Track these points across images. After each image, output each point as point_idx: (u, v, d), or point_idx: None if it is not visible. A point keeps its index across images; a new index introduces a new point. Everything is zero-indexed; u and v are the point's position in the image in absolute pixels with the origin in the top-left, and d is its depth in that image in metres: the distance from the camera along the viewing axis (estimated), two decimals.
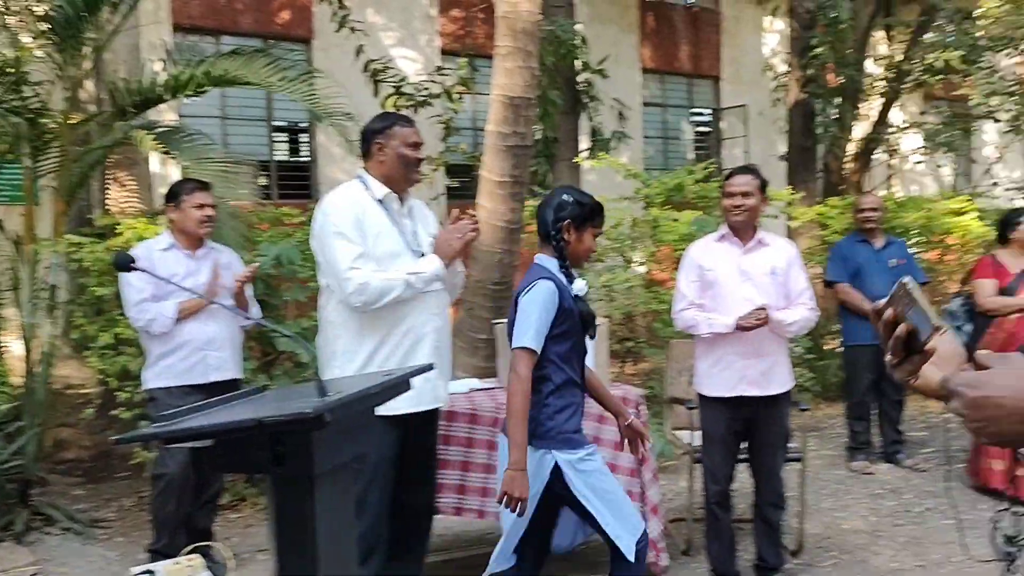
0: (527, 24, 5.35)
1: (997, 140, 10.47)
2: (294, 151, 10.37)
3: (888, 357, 1.27)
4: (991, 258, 4.93)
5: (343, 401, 1.78)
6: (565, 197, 2.85)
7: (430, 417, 3.14)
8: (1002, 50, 8.55)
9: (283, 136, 10.25)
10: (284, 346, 4.54)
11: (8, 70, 4.66)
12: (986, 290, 4.80)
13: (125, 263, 2.53)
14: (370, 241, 2.96)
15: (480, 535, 4.41)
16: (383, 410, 2.53)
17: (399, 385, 2.04)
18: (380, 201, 3.03)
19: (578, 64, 8.39)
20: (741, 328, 3.44)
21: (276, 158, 9.91)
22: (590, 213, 2.85)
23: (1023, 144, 8.58)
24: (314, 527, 1.86)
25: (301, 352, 4.58)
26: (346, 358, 2.97)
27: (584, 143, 8.78)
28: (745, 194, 3.53)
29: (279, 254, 4.55)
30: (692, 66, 12.21)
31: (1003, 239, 4.98)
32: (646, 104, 11.76)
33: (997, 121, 8.83)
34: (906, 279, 1.24)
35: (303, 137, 10.13)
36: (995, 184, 9.62)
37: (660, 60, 11.91)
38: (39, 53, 4.83)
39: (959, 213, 8.07)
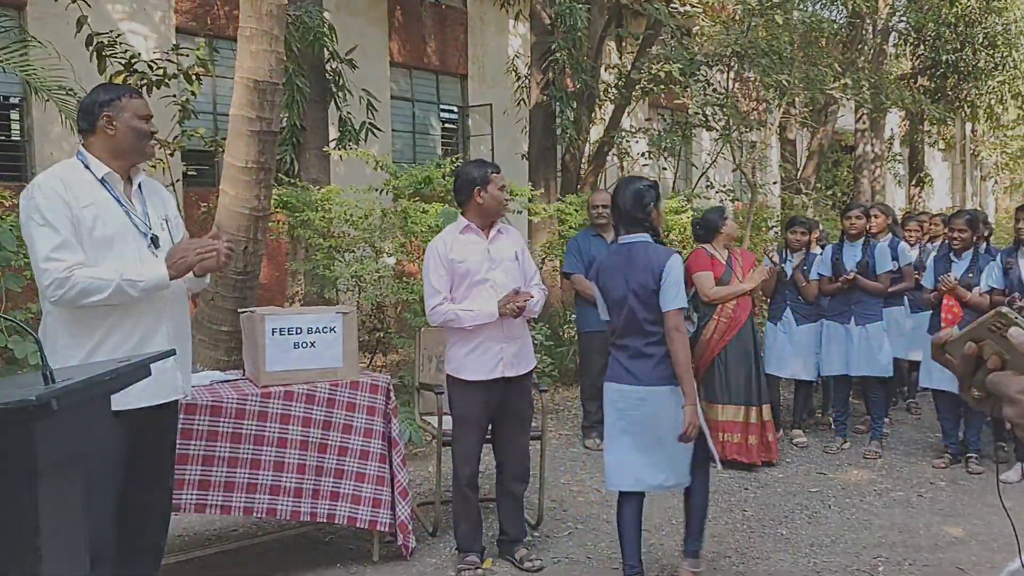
0: (272, 6, 5.21)
1: (710, 147, 11.61)
2: (4, 128, 9.31)
3: (971, 395, 1.15)
4: (703, 251, 5.45)
5: (72, 387, 1.66)
6: (642, 185, 3.49)
7: (169, 411, 2.97)
8: (714, 66, 9.50)
9: None
10: None
11: None
12: (707, 282, 5.29)
13: None
14: (86, 225, 2.72)
15: (222, 532, 4.27)
16: (116, 405, 2.37)
17: (137, 371, 1.92)
18: (102, 180, 2.82)
19: (326, 53, 8.27)
20: (505, 314, 3.62)
21: None
22: (659, 194, 3.55)
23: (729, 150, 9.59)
24: (37, 526, 1.72)
25: (13, 347, 4.16)
26: (68, 353, 2.72)
27: (332, 133, 8.67)
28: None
29: None
30: (440, 63, 12.42)
31: (708, 235, 5.45)
32: (394, 98, 11.80)
33: (710, 129, 9.80)
34: (1003, 308, 1.12)
35: (14, 114, 9.14)
36: (710, 186, 10.67)
37: (408, 55, 12.00)
38: None
39: (678, 212, 8.90)
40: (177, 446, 3.16)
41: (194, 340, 5.42)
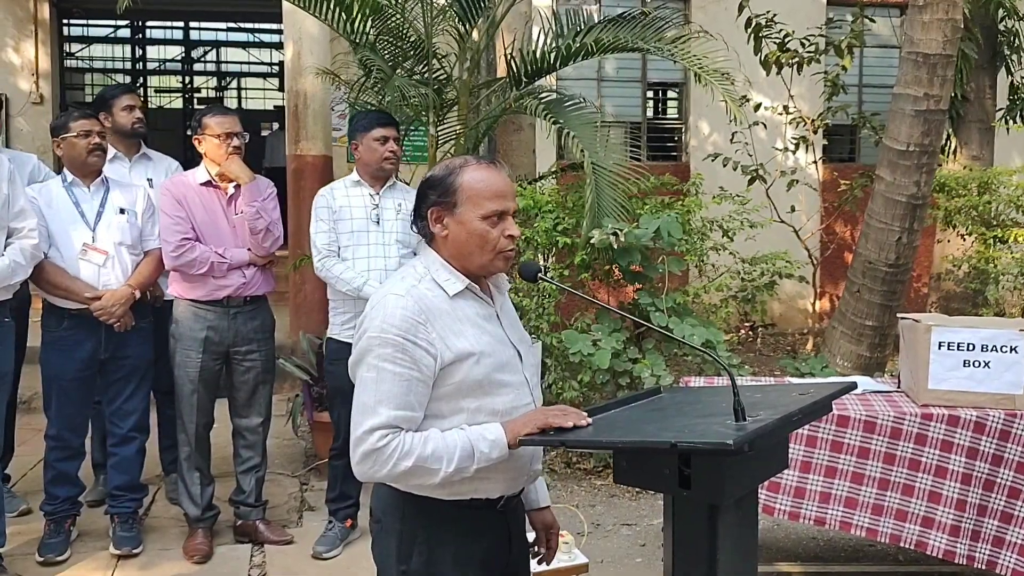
0: None
1: None
2: (663, 111, 10.24)
3: None
4: None
5: (766, 430, 1.58)
6: None
7: None
8: None
9: (652, 96, 10.16)
10: (658, 321, 4.43)
11: (419, 44, 5.01)
12: None
13: (531, 273, 2.19)
14: None
15: (857, 546, 4.03)
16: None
17: (820, 408, 1.79)
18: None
19: (1000, 11, 7.20)
20: None
21: (648, 119, 9.85)
22: None
23: None
24: (715, 557, 1.70)
25: (673, 329, 4.45)
26: None
27: (1000, 102, 7.57)
28: None
29: (659, 227, 4.43)
30: None
31: None
32: None
33: None
34: None
35: (671, 95, 9.97)
36: None
37: None
38: (444, 27, 5.13)
39: None
40: (826, 458, 3.02)
41: (836, 332, 5.27)
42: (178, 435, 3.83)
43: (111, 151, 3.98)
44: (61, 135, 3.67)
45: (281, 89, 12.99)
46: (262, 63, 14.98)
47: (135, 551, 3.75)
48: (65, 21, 9.62)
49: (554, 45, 5.00)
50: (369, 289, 3.57)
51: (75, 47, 12.81)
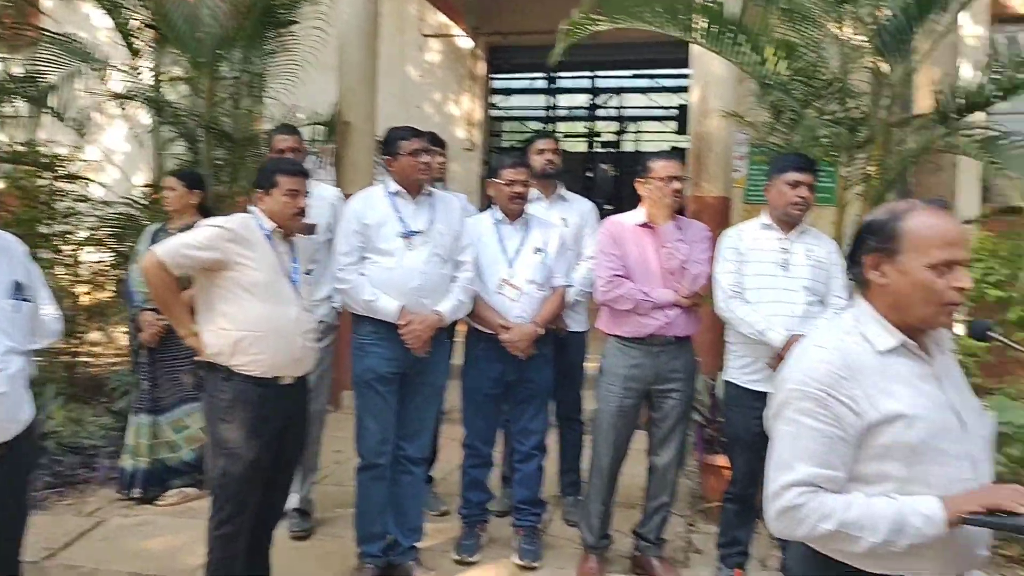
0: None
1: None
2: None
3: None
4: None
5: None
6: None
7: None
8: None
9: None
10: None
11: (832, 83, 4.81)
12: None
13: (981, 331, 2.05)
14: None
15: None
16: None
17: None
18: None
19: None
20: None
21: None
22: None
23: None
24: None
25: None
26: None
27: None
28: None
29: None
30: None
31: None
32: None
33: None
34: None
35: None
36: None
37: None
38: (863, 62, 4.86)
39: None
40: None
41: None
42: (592, 466, 3.98)
43: (532, 192, 4.35)
44: (493, 178, 4.10)
45: (679, 132, 13.28)
46: (660, 107, 15.44)
47: (535, 564, 4.01)
48: (493, 75, 10.75)
49: (993, 77, 4.49)
50: (772, 335, 3.48)
51: (498, 98, 14.29)
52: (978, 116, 6.23)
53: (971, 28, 7.37)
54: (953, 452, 1.74)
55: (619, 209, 4.00)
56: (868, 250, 1.84)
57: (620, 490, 4.03)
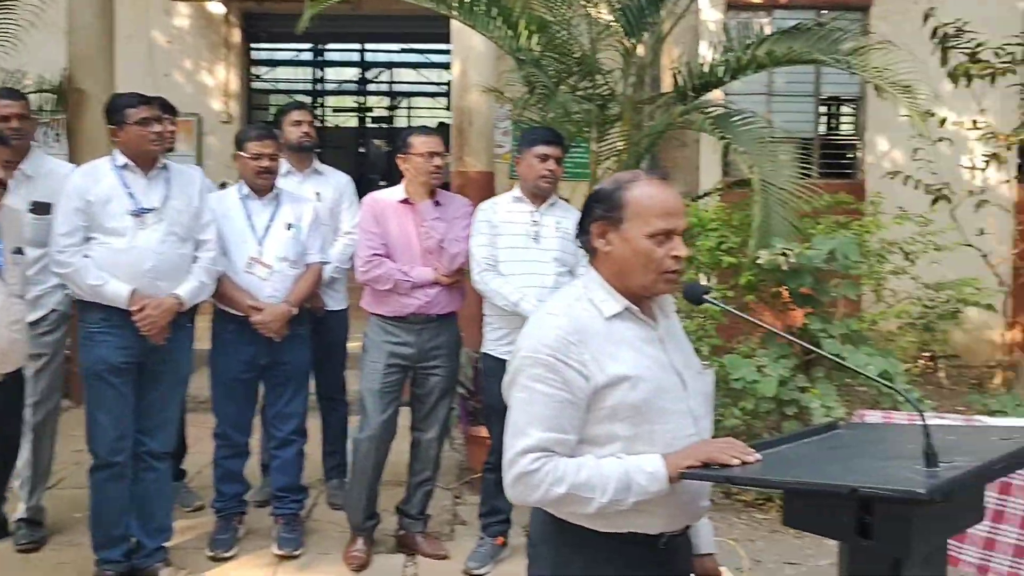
0: None
1: None
2: (837, 127, 9.73)
3: None
4: None
5: (963, 479, 1.40)
6: None
7: None
8: None
9: (826, 110, 9.67)
10: (830, 348, 4.17)
11: (584, 60, 4.97)
12: None
13: (696, 295, 2.04)
14: None
15: None
16: None
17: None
18: None
19: None
20: None
21: (820, 134, 9.38)
22: None
23: None
24: None
25: (847, 358, 4.17)
26: None
27: None
28: None
29: (834, 248, 4.17)
30: None
31: None
32: None
33: None
34: None
35: (845, 110, 9.46)
36: None
37: None
38: (609, 42, 5.06)
39: None
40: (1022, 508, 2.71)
41: None
42: (354, 446, 3.87)
43: (284, 166, 4.15)
44: (238, 151, 3.87)
45: (448, 108, 13.32)
46: (431, 83, 15.44)
47: (296, 552, 3.87)
48: (253, 45, 10.23)
49: (723, 58, 4.83)
50: (526, 305, 3.54)
51: (261, 70, 13.65)
52: (716, 95, 6.70)
53: (710, 13, 7.88)
54: (675, 410, 1.82)
55: (393, 184, 3.89)
56: (595, 219, 1.87)
57: (387, 468, 3.96)
